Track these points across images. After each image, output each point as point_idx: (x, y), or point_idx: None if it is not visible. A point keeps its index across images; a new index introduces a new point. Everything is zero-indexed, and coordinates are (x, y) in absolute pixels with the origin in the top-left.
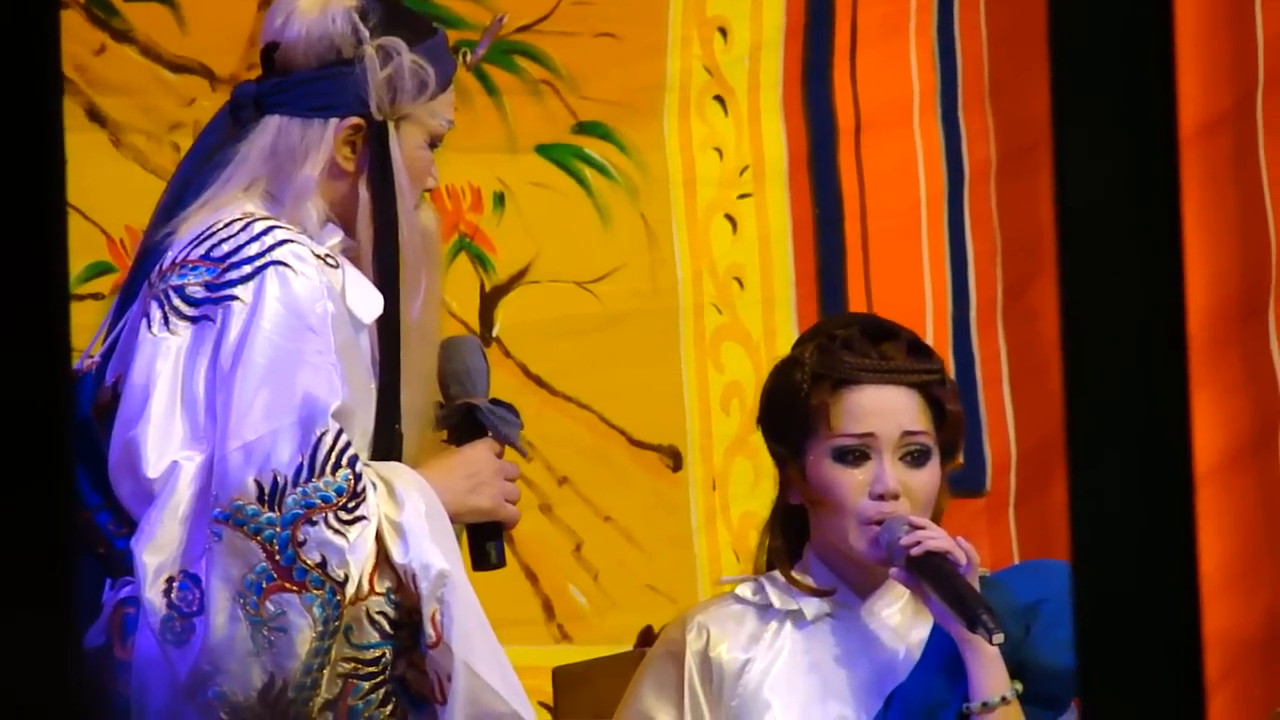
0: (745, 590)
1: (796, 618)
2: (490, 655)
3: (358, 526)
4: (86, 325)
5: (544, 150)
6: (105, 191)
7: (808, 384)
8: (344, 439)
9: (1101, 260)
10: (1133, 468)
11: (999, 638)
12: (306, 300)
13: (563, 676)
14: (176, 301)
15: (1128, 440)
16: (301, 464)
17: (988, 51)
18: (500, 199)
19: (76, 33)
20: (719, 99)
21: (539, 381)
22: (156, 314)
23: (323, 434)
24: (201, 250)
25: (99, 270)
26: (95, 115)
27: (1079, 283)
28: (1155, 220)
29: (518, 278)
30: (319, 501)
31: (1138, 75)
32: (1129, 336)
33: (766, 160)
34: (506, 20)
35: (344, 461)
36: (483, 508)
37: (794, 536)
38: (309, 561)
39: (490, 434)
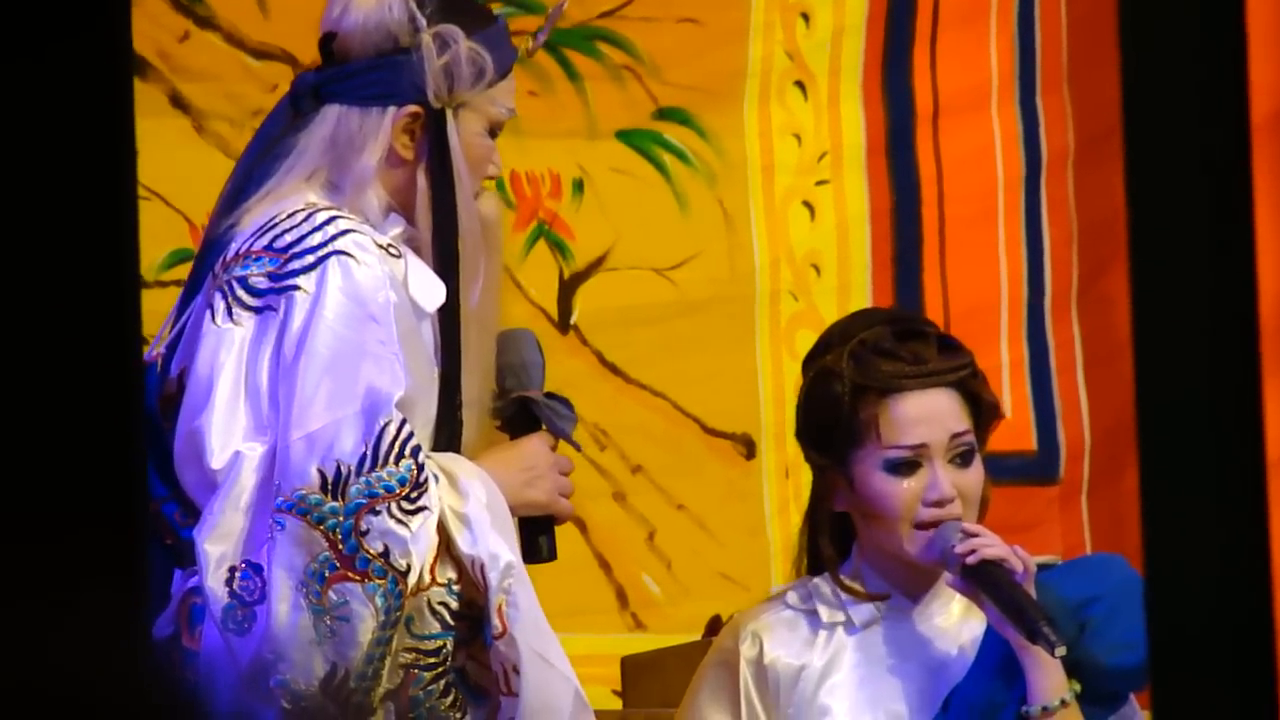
0: (794, 597)
1: (847, 625)
2: (552, 640)
3: (420, 516)
4: (168, 312)
5: (624, 136)
6: (188, 178)
7: (849, 396)
8: (407, 429)
9: (1172, 248)
10: (1204, 456)
11: (1061, 650)
12: (369, 290)
13: (631, 665)
14: (240, 292)
15: (1198, 428)
16: (365, 454)
17: (1067, 37)
18: (579, 185)
19: (160, 19)
20: (799, 84)
21: (614, 369)
22: (220, 305)
23: (386, 424)
24: (264, 241)
25: (181, 257)
26: (178, 102)
27: (1150, 271)
28: (1227, 207)
29: (596, 264)
30: (382, 491)
31: (1210, 62)
32: (1200, 324)
33: (845, 146)
34: (589, 5)
35: (407, 451)
36: (538, 501)
37: (839, 541)
38: (372, 551)
39: (545, 427)
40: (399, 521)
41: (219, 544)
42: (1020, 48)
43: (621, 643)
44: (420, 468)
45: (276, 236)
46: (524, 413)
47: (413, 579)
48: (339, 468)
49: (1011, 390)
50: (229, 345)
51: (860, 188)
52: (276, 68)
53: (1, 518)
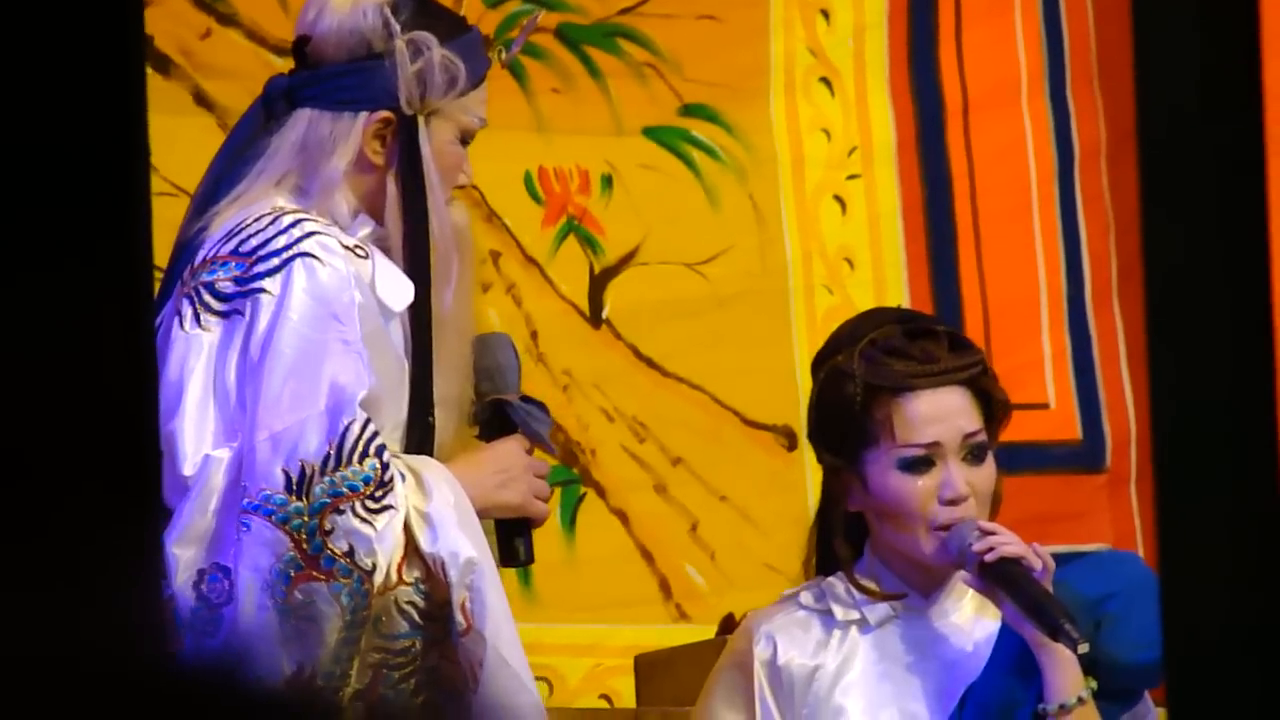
0: (807, 597)
1: (860, 624)
2: (515, 645)
3: (385, 515)
4: None
5: (651, 132)
6: None
7: (862, 396)
8: (371, 428)
9: (1187, 249)
10: (1220, 455)
11: (1084, 647)
12: (333, 290)
13: (645, 664)
14: (207, 297)
15: (1213, 429)
16: (329, 453)
17: (1094, 30)
18: (608, 181)
19: (182, 17)
20: (825, 80)
21: (650, 363)
22: (188, 311)
23: (350, 423)
24: (231, 246)
25: None
26: (202, 99)
27: (1164, 279)
28: (1243, 205)
29: (627, 260)
30: (346, 490)
31: (1223, 66)
32: (1214, 327)
33: (874, 141)
34: (609, 2)
35: (371, 450)
36: (512, 503)
37: (853, 540)
38: (336, 550)
39: (520, 430)
40: (364, 520)
41: (187, 547)
42: (1048, 42)
43: (666, 633)
44: (385, 466)
45: (242, 241)
46: (499, 416)
47: (379, 578)
48: (303, 467)
49: (1055, 381)
50: (198, 350)
51: (891, 182)
52: None
53: (15, 512)
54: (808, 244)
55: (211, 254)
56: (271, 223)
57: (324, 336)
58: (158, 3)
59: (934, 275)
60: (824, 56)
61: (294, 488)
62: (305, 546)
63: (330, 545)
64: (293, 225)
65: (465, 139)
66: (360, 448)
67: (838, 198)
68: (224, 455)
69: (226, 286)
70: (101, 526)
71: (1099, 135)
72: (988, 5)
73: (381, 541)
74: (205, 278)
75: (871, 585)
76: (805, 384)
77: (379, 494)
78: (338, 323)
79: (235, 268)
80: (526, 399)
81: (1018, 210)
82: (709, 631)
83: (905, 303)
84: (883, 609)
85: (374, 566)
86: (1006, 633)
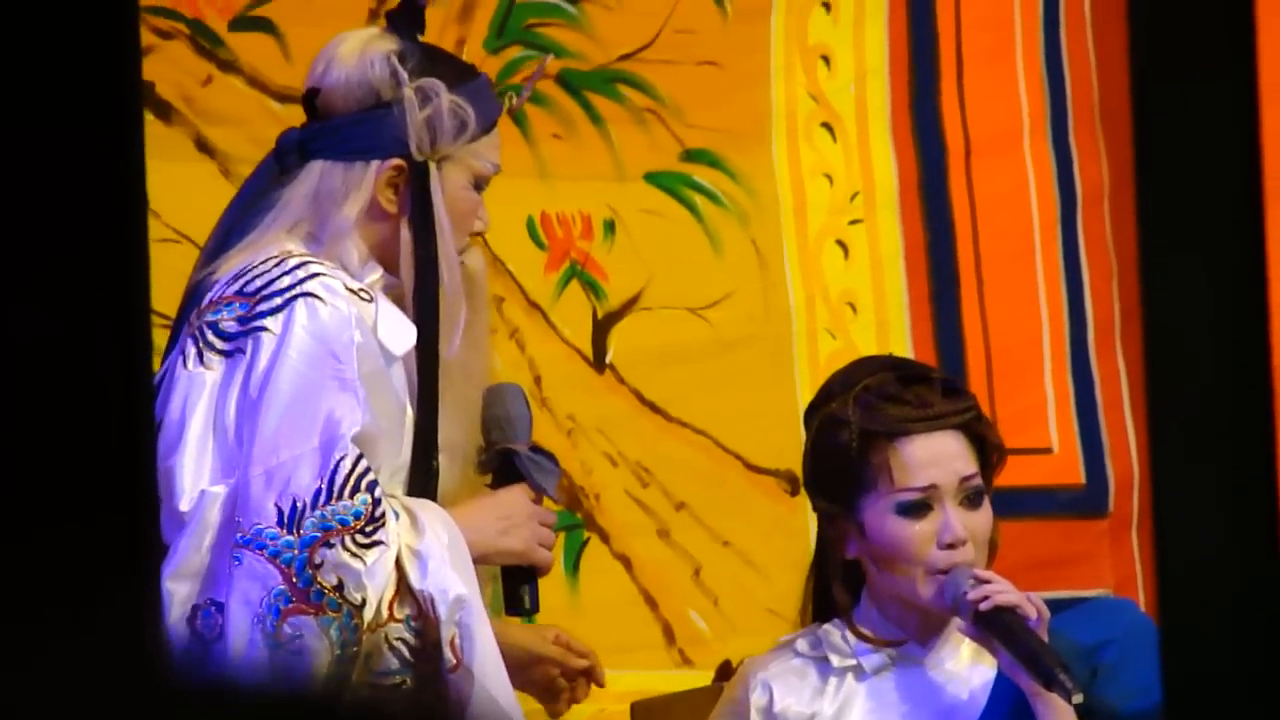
0: (803, 644)
1: (857, 671)
2: (504, 684)
3: (375, 550)
4: None
5: (653, 178)
6: (216, 221)
7: (857, 442)
8: (363, 464)
9: (1188, 293)
10: (1219, 501)
11: (1078, 697)
12: (334, 329)
13: (641, 710)
14: (210, 337)
15: (1213, 476)
16: (320, 488)
17: (1096, 74)
18: (611, 226)
19: (182, 63)
20: (826, 125)
21: (654, 407)
22: (191, 350)
23: (341, 458)
24: (236, 287)
25: None
26: (204, 146)
27: (1162, 320)
28: (1241, 250)
29: (630, 304)
30: (336, 525)
31: (1222, 107)
32: (1214, 376)
33: (877, 186)
34: (609, 48)
35: (362, 486)
36: (514, 549)
37: (851, 588)
38: (326, 584)
39: (526, 480)
40: (353, 555)
41: (182, 583)
42: (1050, 85)
43: (669, 679)
44: (376, 502)
45: (248, 282)
46: (507, 465)
47: (368, 613)
48: (295, 502)
49: (1058, 425)
50: (200, 388)
51: (894, 227)
52: (300, 111)
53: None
54: (810, 288)
55: (217, 295)
56: (277, 265)
57: (321, 374)
58: (158, 49)
59: (937, 319)
60: (825, 102)
61: (285, 522)
62: (295, 580)
63: (320, 579)
64: (298, 267)
65: (479, 184)
66: (351, 483)
67: (840, 242)
68: (220, 491)
69: (230, 326)
70: (97, 574)
71: (1101, 179)
72: (989, 49)
73: (371, 576)
74: (210, 318)
75: (868, 633)
76: None
77: (369, 529)
78: (335, 361)
79: (239, 308)
80: (536, 449)
81: (1020, 254)
82: (709, 677)
83: (908, 347)
84: (879, 657)
85: (363, 601)
86: (1003, 681)
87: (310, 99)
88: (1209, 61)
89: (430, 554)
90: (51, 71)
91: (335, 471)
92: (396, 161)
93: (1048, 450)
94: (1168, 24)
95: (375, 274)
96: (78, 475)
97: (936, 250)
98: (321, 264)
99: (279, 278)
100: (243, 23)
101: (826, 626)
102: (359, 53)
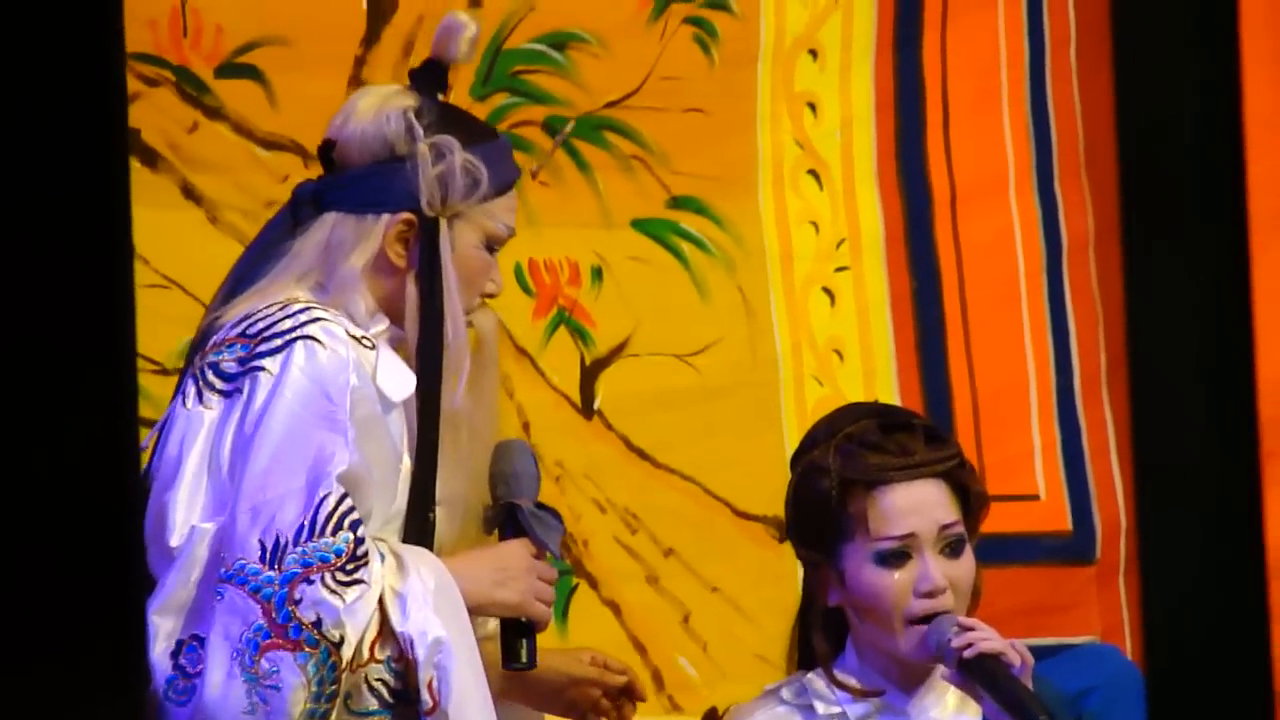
0: (789, 692)
1: (842, 719)
2: None
3: (356, 589)
4: None
5: (640, 225)
6: (205, 267)
7: (837, 490)
8: (347, 503)
9: (1174, 344)
10: (1205, 558)
11: None
12: (330, 372)
13: None
14: (211, 377)
15: (1199, 526)
16: (303, 524)
17: (1082, 122)
18: (598, 273)
19: (169, 111)
20: (813, 173)
21: (642, 454)
22: (191, 389)
23: (325, 495)
24: (239, 329)
25: None
26: (190, 192)
27: (1150, 367)
28: (1227, 300)
29: (618, 351)
30: (317, 561)
31: (1207, 156)
32: (1200, 422)
33: (863, 233)
34: (595, 96)
35: (345, 524)
36: (509, 602)
37: (833, 636)
38: (304, 620)
39: (527, 535)
40: (333, 592)
41: (167, 617)
42: (1035, 134)
43: None
44: (359, 541)
45: (250, 324)
46: (511, 520)
47: (347, 651)
48: (278, 538)
49: (1044, 472)
50: (198, 427)
51: (880, 274)
52: (286, 158)
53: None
54: (797, 335)
55: (221, 338)
56: (281, 309)
57: (314, 414)
58: (144, 96)
59: (923, 366)
60: (811, 149)
61: (267, 558)
62: (274, 615)
63: (298, 615)
64: (300, 311)
65: (491, 245)
66: (335, 520)
67: (826, 289)
68: (210, 528)
69: (230, 367)
70: (81, 651)
71: (1087, 227)
72: (975, 97)
73: (351, 615)
74: (212, 359)
75: (851, 681)
76: None
77: (350, 567)
78: (328, 401)
79: (240, 349)
80: (541, 506)
81: (1006, 302)
82: None
83: (894, 394)
84: (863, 706)
85: (342, 639)
86: None
87: (328, 151)
88: (1195, 103)
89: (412, 595)
90: (40, 119)
91: (319, 509)
92: (407, 215)
93: (1034, 497)
94: (1154, 69)
95: (382, 325)
96: (61, 516)
97: (922, 297)
98: (325, 310)
99: (280, 320)
100: (229, 70)
101: (811, 675)
102: (377, 107)
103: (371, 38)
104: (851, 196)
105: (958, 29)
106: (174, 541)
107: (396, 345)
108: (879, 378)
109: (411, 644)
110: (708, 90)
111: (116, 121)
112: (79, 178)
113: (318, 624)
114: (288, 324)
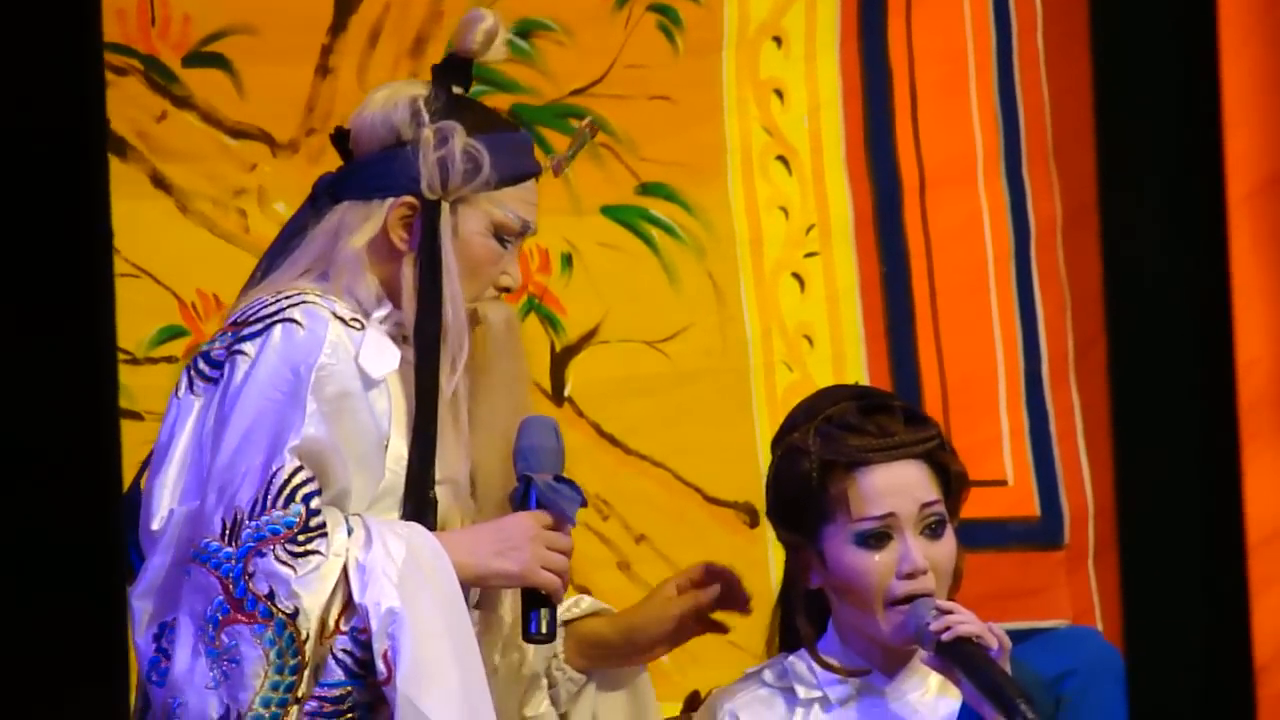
0: (770, 675)
1: (823, 702)
2: (438, 702)
3: (310, 560)
4: (159, 387)
5: (609, 211)
6: (175, 256)
7: (817, 472)
8: (301, 476)
9: (1152, 325)
10: (1186, 536)
11: None
12: (301, 351)
13: None
14: (202, 365)
15: (1180, 507)
16: (256, 499)
17: (1050, 108)
18: (568, 260)
19: (137, 100)
20: (782, 159)
21: (613, 440)
22: (184, 380)
23: (278, 469)
24: (233, 319)
25: (172, 334)
26: (160, 182)
27: (1129, 349)
28: (1205, 282)
29: (588, 338)
30: (268, 534)
31: (1186, 136)
32: (1180, 401)
33: (832, 219)
34: (561, 83)
35: (297, 497)
36: (509, 571)
37: (815, 617)
38: (258, 592)
39: (545, 507)
40: (284, 563)
41: (149, 601)
42: (1004, 119)
43: None
44: (312, 513)
45: (242, 314)
46: (526, 493)
47: (303, 622)
48: (235, 514)
49: (1013, 457)
50: (187, 414)
51: (849, 260)
52: (254, 146)
53: None
54: (767, 321)
55: (218, 330)
56: (274, 297)
57: (281, 392)
58: (113, 85)
59: (892, 352)
60: (780, 135)
61: (227, 534)
62: (232, 590)
63: (253, 588)
64: (288, 297)
65: (501, 236)
66: (286, 493)
67: (796, 275)
68: (186, 510)
69: (219, 354)
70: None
71: (1055, 212)
72: (943, 83)
73: (304, 586)
74: (204, 349)
75: (834, 663)
76: (766, 460)
77: (302, 538)
78: (295, 378)
79: (230, 336)
80: (560, 478)
81: (975, 287)
82: (674, 709)
83: (864, 379)
84: (845, 687)
85: (296, 610)
86: (967, 712)
87: (346, 142)
88: (1172, 87)
89: (372, 568)
90: (15, 111)
91: (271, 482)
92: (408, 199)
93: (1002, 483)
94: (1131, 47)
95: (386, 309)
96: (43, 507)
97: (892, 283)
98: (316, 295)
99: (267, 306)
100: (197, 59)
101: (793, 657)
102: (388, 96)
103: (338, 26)
104: (820, 182)
105: (923, 13)
106: (155, 525)
107: (402, 331)
108: (848, 363)
109: (368, 615)
110: (673, 78)
111: (94, 111)
112: (57, 168)
113: (271, 596)
114: (272, 309)
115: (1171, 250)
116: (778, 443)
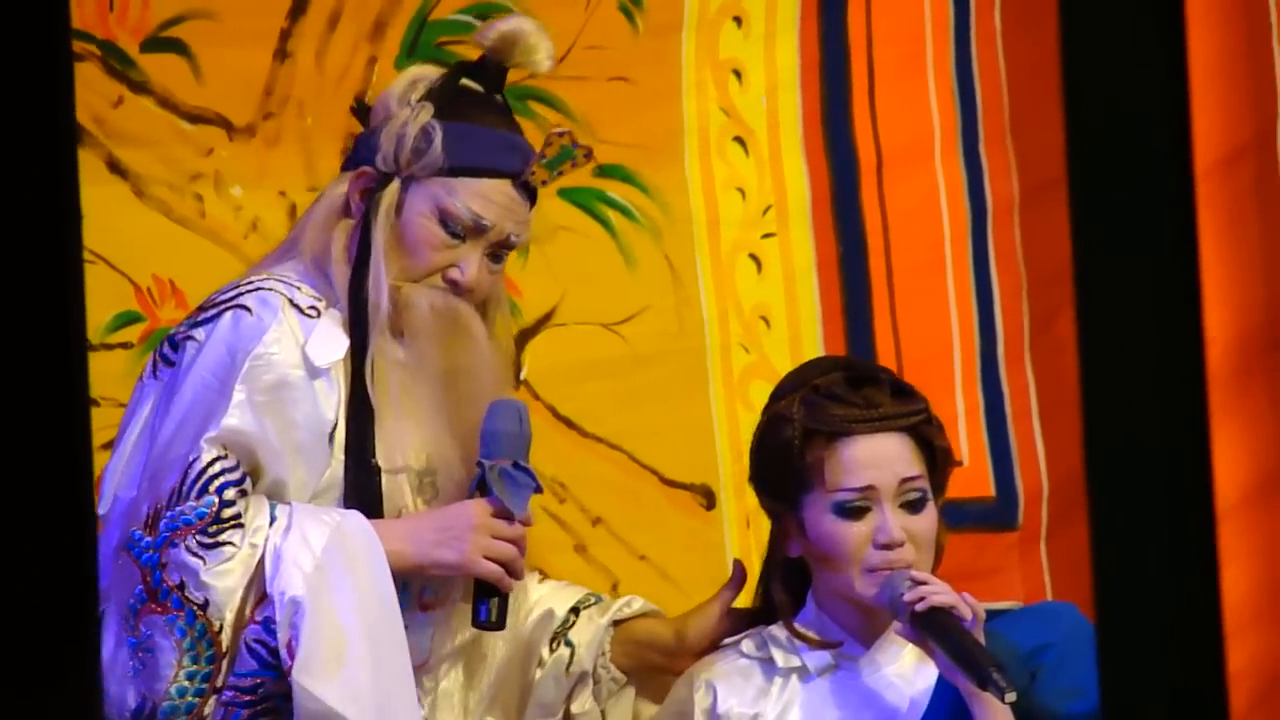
0: (749, 645)
1: (801, 672)
2: (347, 688)
3: (221, 551)
4: (115, 374)
5: (566, 194)
6: (131, 242)
7: (799, 440)
8: (218, 466)
9: (1119, 296)
10: (1155, 505)
11: (1011, 696)
12: (243, 339)
13: None
14: (166, 349)
15: (1149, 477)
16: (175, 488)
17: (1007, 87)
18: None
19: (94, 85)
20: (739, 140)
21: (569, 423)
22: (149, 365)
23: (194, 459)
24: (202, 303)
25: (127, 319)
26: (116, 167)
27: (1097, 320)
28: (1172, 254)
29: (544, 321)
30: (182, 525)
31: (1153, 109)
32: (1148, 375)
33: (789, 199)
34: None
35: (210, 488)
36: (448, 561)
37: (794, 587)
38: (171, 583)
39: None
40: (194, 555)
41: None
42: (961, 99)
43: None
44: (225, 504)
45: (210, 298)
46: (483, 481)
47: (214, 613)
48: (157, 504)
49: (968, 437)
50: (147, 399)
51: (806, 240)
52: (211, 131)
53: None
54: (724, 303)
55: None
56: (238, 282)
57: (217, 380)
58: None
59: (849, 332)
60: (737, 116)
61: (149, 524)
62: (149, 579)
63: (166, 578)
64: (249, 283)
65: (449, 224)
66: (200, 484)
67: (753, 256)
68: (127, 498)
69: (180, 339)
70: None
71: (1012, 191)
72: (901, 62)
73: (214, 577)
74: (170, 333)
75: (809, 633)
76: (724, 443)
77: (214, 529)
78: (231, 366)
79: (189, 321)
80: (518, 465)
81: (931, 267)
82: None
83: None
84: (824, 657)
85: (206, 601)
86: (943, 684)
87: (365, 115)
88: (1140, 59)
89: (284, 557)
90: None
91: (187, 472)
92: (368, 169)
93: (958, 463)
94: (1098, 22)
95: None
96: (11, 494)
97: (849, 263)
98: (275, 281)
99: (228, 291)
100: (154, 44)
101: (772, 628)
102: (402, 76)
103: (298, 10)
104: (778, 163)
105: None
106: (101, 509)
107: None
108: (805, 344)
109: (275, 604)
110: (632, 59)
111: (62, 97)
112: (22, 156)
113: (181, 587)
114: (230, 294)
115: (1139, 220)
116: (765, 411)
